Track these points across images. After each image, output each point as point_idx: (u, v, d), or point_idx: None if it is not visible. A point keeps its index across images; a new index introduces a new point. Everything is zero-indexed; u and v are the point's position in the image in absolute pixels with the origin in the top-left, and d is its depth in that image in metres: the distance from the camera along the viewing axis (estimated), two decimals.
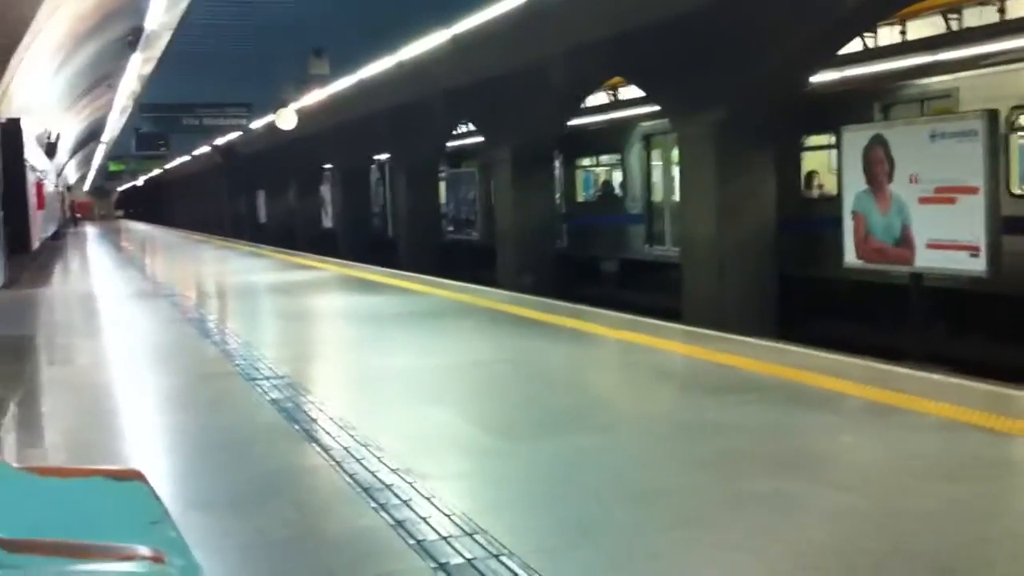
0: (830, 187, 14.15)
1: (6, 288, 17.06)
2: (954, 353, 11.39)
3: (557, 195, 22.27)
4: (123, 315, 13.31)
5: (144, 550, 1.68)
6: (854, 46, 15.76)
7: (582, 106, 21.41)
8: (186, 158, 53.32)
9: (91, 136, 42.74)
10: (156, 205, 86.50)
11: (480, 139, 24.89)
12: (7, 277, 17.69)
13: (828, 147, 13.79)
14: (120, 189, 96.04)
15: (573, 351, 9.27)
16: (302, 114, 27.17)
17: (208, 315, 12.63)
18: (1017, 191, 11.43)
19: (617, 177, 20.66)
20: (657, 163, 18.96)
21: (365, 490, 4.80)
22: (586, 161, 22.37)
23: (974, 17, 15.93)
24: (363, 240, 32.66)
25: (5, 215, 17.52)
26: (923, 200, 10.71)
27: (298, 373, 8.17)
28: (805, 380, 7.21)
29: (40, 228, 24.70)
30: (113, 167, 58.63)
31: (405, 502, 4.59)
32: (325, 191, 39.44)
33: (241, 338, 10.18)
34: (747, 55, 13.77)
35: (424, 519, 4.35)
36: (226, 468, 5.44)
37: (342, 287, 16.42)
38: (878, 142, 11.38)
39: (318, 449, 5.64)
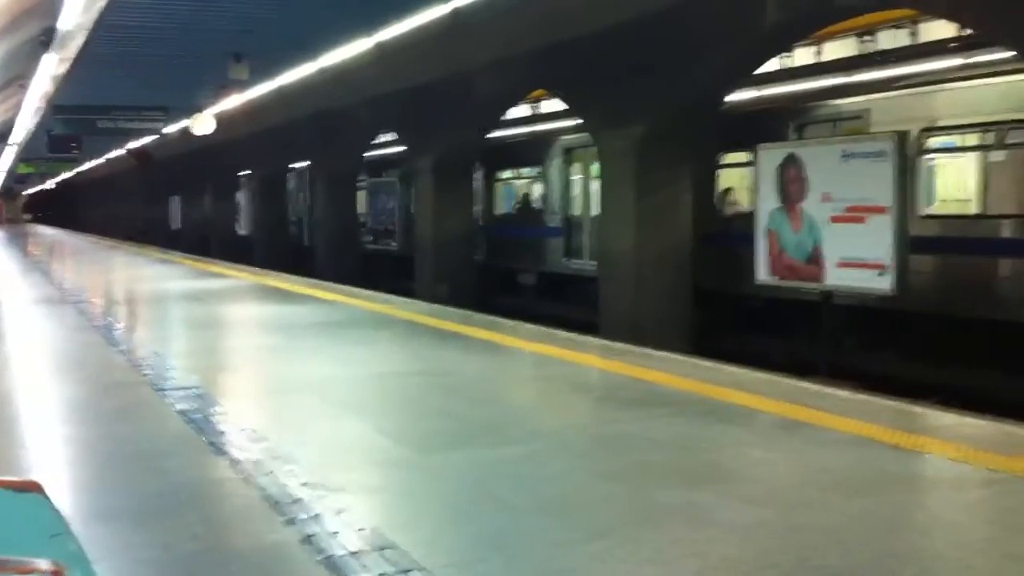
0: (746, 204, 14.37)
1: None
2: (863, 369, 11.64)
3: (478, 207, 22.28)
4: (26, 322, 12.93)
5: (44, 563, 1.63)
6: (772, 66, 16.06)
7: (505, 118, 21.49)
8: (100, 161, 52.16)
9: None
10: (67, 209, 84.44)
11: (402, 148, 24.79)
12: None
13: (744, 164, 14.02)
14: (29, 192, 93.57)
15: (490, 363, 9.25)
16: (220, 119, 26.78)
17: (116, 323, 12.33)
18: (925, 212, 11.74)
19: (537, 190, 20.75)
20: (577, 177, 19.08)
21: (275, 504, 4.72)
22: (507, 173, 22.43)
23: (887, 40, 16.34)
24: (280, 248, 32.27)
25: None
26: (834, 219, 10.95)
27: (209, 383, 8.01)
28: (718, 395, 7.29)
29: None
30: (22, 169, 57.07)
31: (315, 516, 4.51)
32: (242, 198, 38.90)
33: (150, 347, 9.96)
34: (668, 72, 13.94)
35: (333, 534, 4.28)
36: (131, 480, 5.29)
37: (257, 296, 16.18)
38: (792, 161, 11.61)
39: (227, 462, 5.52)
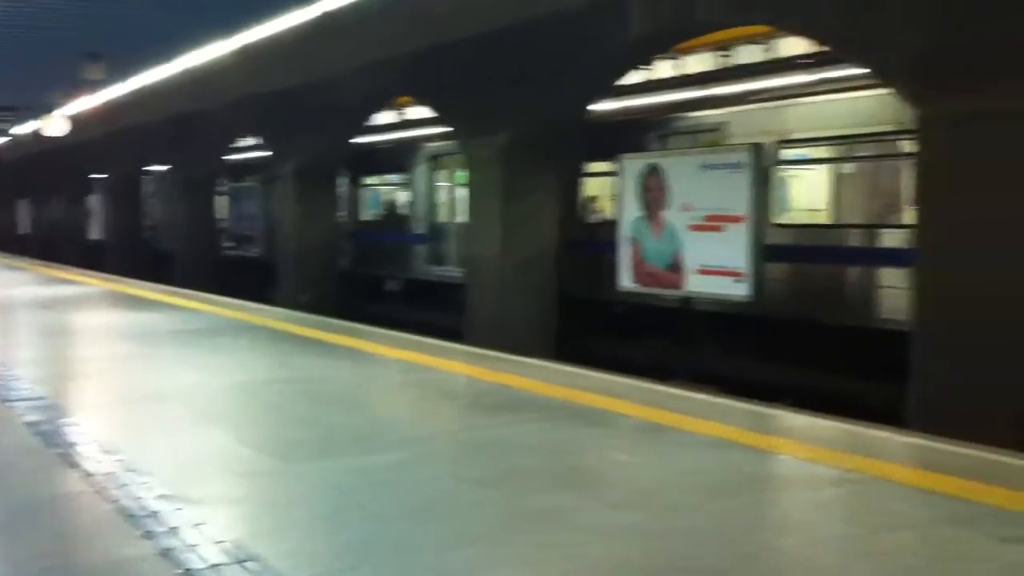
0: (610, 212, 14.60)
1: None
2: (722, 373, 11.95)
3: (343, 213, 22.03)
4: None
5: None
6: (635, 77, 16.38)
7: (371, 124, 21.32)
8: None
9: None
10: None
11: (265, 153, 24.32)
12: None
13: (608, 174, 14.25)
14: None
15: (355, 371, 9.14)
16: (75, 120, 25.78)
17: None
18: (779, 221, 12.14)
19: (403, 197, 20.65)
20: (443, 184, 19.06)
21: (130, 518, 4.55)
22: (373, 180, 22.25)
23: (744, 55, 16.84)
24: (135, 254, 31.23)
25: None
26: (694, 227, 11.22)
27: (59, 393, 7.68)
28: (584, 399, 7.38)
29: None
30: None
31: (172, 529, 4.37)
32: (95, 201, 37.50)
33: None
34: (534, 81, 14.06)
35: (192, 547, 4.15)
36: None
37: (111, 303, 15.63)
38: (654, 171, 11.86)
39: (79, 475, 5.30)
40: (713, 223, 11.02)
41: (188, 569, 3.91)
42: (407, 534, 4.39)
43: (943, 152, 8.77)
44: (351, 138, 21.01)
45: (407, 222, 19.89)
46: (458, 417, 7.27)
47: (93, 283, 19.26)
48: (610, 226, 13.06)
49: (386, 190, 21.98)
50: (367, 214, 22.41)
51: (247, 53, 17.10)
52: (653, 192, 11.86)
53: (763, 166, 10.97)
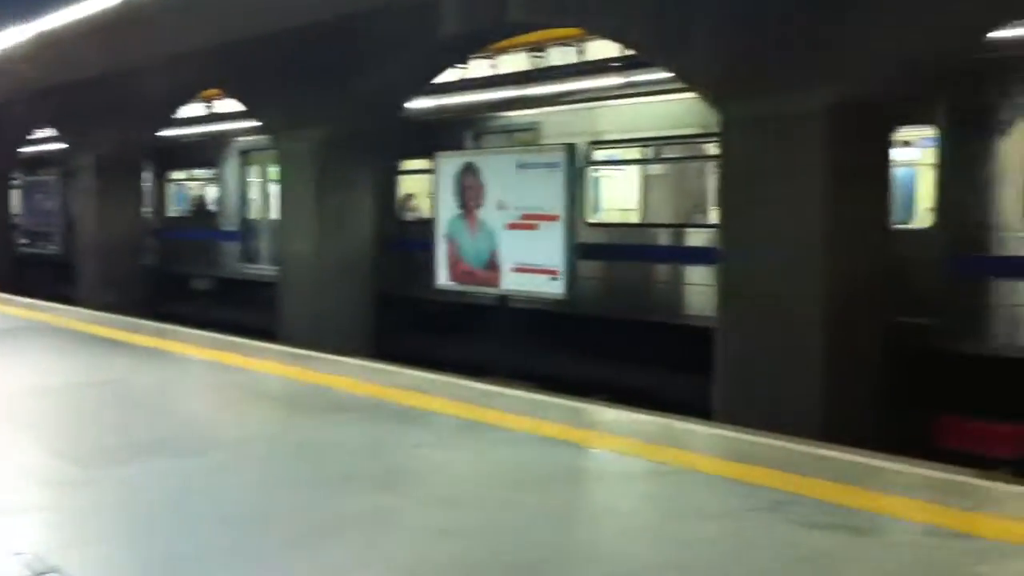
0: (427, 210, 14.60)
1: None
2: (539, 369, 12.12)
3: (148, 209, 21.20)
4: None
5: None
6: (452, 76, 16.43)
7: (179, 117, 20.58)
8: None
9: None
10: None
11: (64, 145, 23.12)
12: None
13: (425, 171, 14.24)
14: None
15: (164, 373, 8.82)
16: None
17: None
18: (592, 220, 12.42)
19: (212, 192, 20.05)
20: (255, 179, 18.61)
21: None
22: (181, 174, 21.51)
23: (557, 56, 17.14)
24: None
25: None
26: (510, 226, 11.35)
27: None
28: (401, 399, 7.35)
29: None
30: None
31: None
32: None
33: None
34: (347, 76, 13.91)
35: None
36: None
37: None
38: (470, 169, 11.92)
39: None
40: (528, 222, 11.17)
41: None
42: (222, 541, 4.27)
43: (743, 154, 9.18)
44: (157, 131, 20.24)
45: (217, 218, 19.32)
46: (274, 419, 7.11)
47: None
48: (427, 224, 13.06)
49: (195, 185, 21.29)
50: (175, 210, 21.65)
51: (45, 40, 16.20)
52: (469, 190, 11.92)
53: (577, 166, 11.19)
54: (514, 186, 11.33)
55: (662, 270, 11.58)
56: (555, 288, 10.85)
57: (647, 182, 12.70)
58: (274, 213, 16.93)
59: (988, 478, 5.54)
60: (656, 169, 12.81)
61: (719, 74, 9.36)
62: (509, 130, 13.80)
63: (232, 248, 18.79)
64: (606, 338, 11.96)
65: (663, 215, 12.55)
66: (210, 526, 4.46)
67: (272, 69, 14.89)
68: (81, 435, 6.42)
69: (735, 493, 5.09)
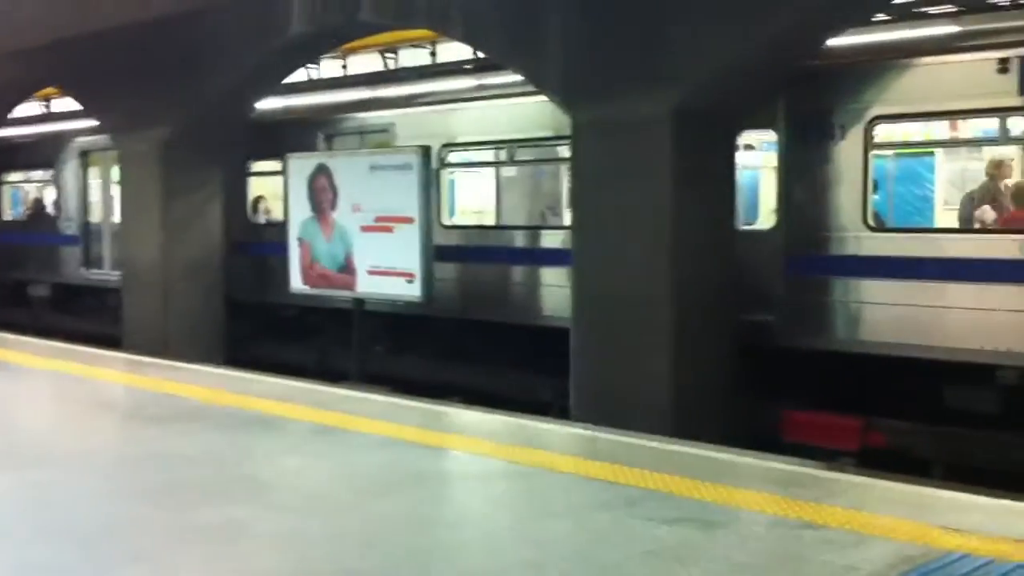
0: (278, 213, 14.32)
1: None
2: (396, 373, 12.03)
3: None
4: None
5: None
6: (303, 76, 16.16)
7: (13, 116, 19.63)
8: None
9: None
10: None
11: None
12: None
13: (276, 173, 13.97)
14: None
15: (1, 385, 8.40)
16: None
17: None
18: (447, 222, 12.39)
19: (50, 195, 19.20)
20: (96, 181, 17.89)
21: None
22: (15, 176, 20.53)
23: (409, 58, 17.05)
24: None
25: None
26: (365, 228, 11.22)
27: None
28: (253, 406, 7.18)
29: None
30: None
31: None
32: None
33: None
34: (191, 75, 13.52)
35: None
36: None
37: None
38: (322, 171, 11.74)
39: None
40: (383, 224, 11.07)
41: None
42: (62, 556, 4.06)
43: (593, 157, 9.30)
44: None
45: (56, 222, 18.51)
46: (118, 429, 6.85)
47: None
48: (279, 227, 12.81)
49: (30, 188, 20.36)
50: (8, 213, 20.67)
51: None
52: (322, 193, 11.74)
53: (431, 168, 11.14)
54: (368, 188, 11.21)
55: (518, 272, 11.64)
56: (412, 291, 10.79)
57: (502, 184, 12.75)
58: (117, 216, 16.32)
59: (833, 470, 5.75)
60: (510, 171, 12.87)
61: (569, 78, 9.47)
62: (362, 132, 13.65)
63: (73, 253, 18.03)
64: (464, 341, 11.95)
65: (518, 217, 12.62)
66: (50, 541, 4.24)
67: (111, 67, 14.35)
68: None
69: (589, 491, 5.14)
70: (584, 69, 9.27)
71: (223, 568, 3.97)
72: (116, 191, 16.44)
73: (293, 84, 15.78)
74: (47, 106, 23.31)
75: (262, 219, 15.26)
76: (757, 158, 11.27)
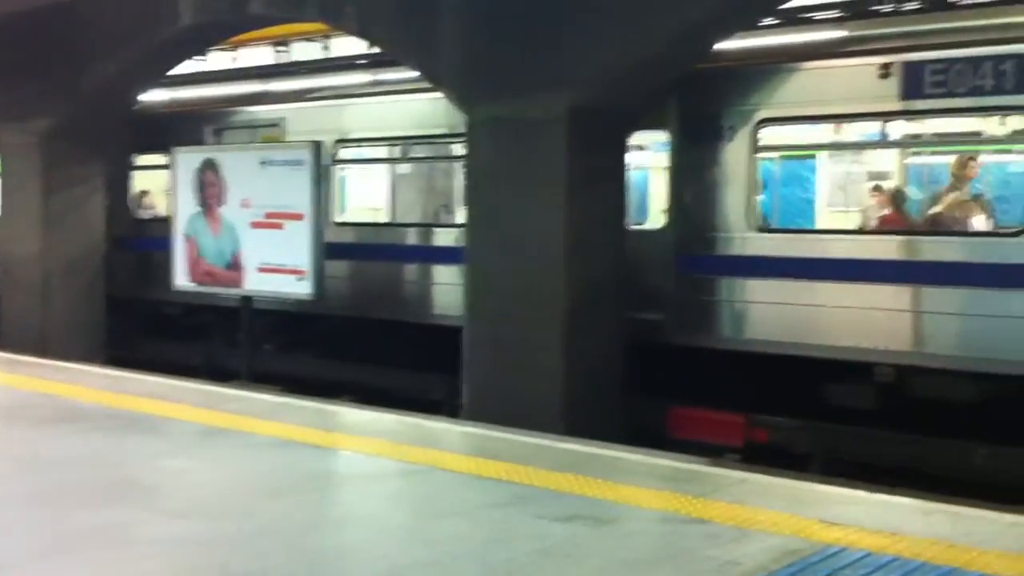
0: (164, 208, 14.00)
1: None
2: (286, 372, 11.87)
3: None
4: None
5: None
6: (191, 67, 15.80)
7: None
8: None
9: None
10: None
11: None
12: None
13: (163, 167, 13.65)
14: None
15: None
16: None
17: None
18: (339, 219, 12.25)
19: None
20: None
21: None
22: None
23: (301, 52, 16.82)
24: None
25: None
26: (254, 224, 11.03)
27: None
28: (137, 406, 7.00)
29: None
30: None
31: None
32: None
33: None
34: (71, 65, 13.11)
35: None
36: None
37: None
38: (210, 165, 11.50)
39: None
40: (273, 220, 10.89)
41: None
42: None
43: (488, 155, 9.31)
44: None
45: None
46: None
47: None
48: (165, 222, 12.52)
49: None
50: None
51: None
52: (210, 187, 11.50)
53: (323, 164, 11.01)
54: (258, 184, 11.02)
55: (411, 270, 11.59)
56: (302, 288, 10.64)
57: (396, 181, 12.67)
58: None
59: (718, 465, 5.88)
60: (404, 168, 12.80)
61: (464, 76, 9.46)
62: (253, 126, 13.42)
63: None
64: (356, 339, 11.85)
65: (411, 215, 12.55)
66: None
67: None
68: None
69: (481, 489, 5.15)
70: (479, 67, 9.28)
71: (106, 574, 3.86)
72: None
73: (180, 76, 15.42)
74: None
75: (147, 214, 14.90)
76: (648, 158, 11.43)
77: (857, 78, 8.53)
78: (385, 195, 12.69)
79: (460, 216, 11.12)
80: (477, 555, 4.17)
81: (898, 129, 9.60)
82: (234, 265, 11.21)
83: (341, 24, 11.04)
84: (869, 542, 4.23)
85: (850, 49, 9.06)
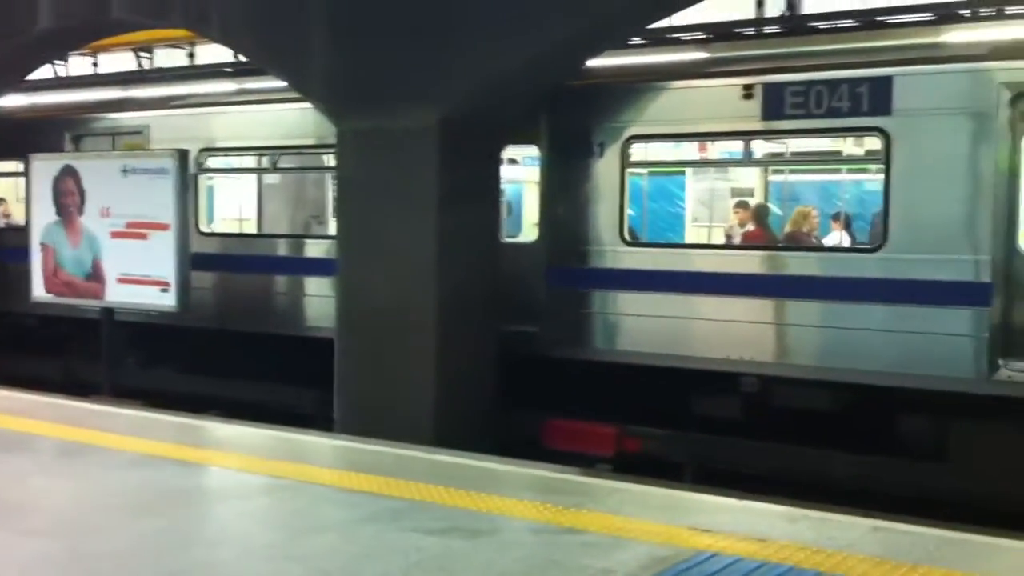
0: (19, 216, 13.44)
1: None
2: (150, 386, 11.52)
3: None
4: None
5: None
6: (49, 72, 15.25)
7: None
8: None
9: None
10: None
11: None
12: None
13: (18, 174, 13.10)
14: None
15: None
16: None
17: None
18: (206, 229, 11.97)
19: None
20: None
21: None
22: None
23: (165, 59, 16.42)
24: None
25: None
26: (115, 234, 10.70)
27: None
28: None
29: None
30: None
31: None
32: None
33: None
34: None
35: None
36: None
37: None
38: (69, 173, 11.12)
39: None
40: (136, 230, 10.58)
41: None
42: None
43: (358, 166, 9.23)
44: None
45: None
46: None
47: None
48: (21, 231, 12.02)
49: None
50: None
51: None
52: (68, 196, 11.10)
53: (189, 173, 10.75)
54: (120, 192, 10.69)
55: (281, 282, 11.39)
56: (166, 300, 10.36)
57: (264, 192, 12.45)
58: None
59: (591, 475, 5.94)
60: (273, 179, 12.60)
61: (331, 86, 9.36)
62: (115, 133, 13.01)
63: None
64: (223, 352, 11.58)
65: (281, 226, 12.35)
66: None
67: None
68: None
69: (353, 504, 5.08)
70: (347, 77, 9.20)
71: None
72: None
73: (38, 81, 14.87)
74: None
75: (1, 223, 14.30)
76: (521, 172, 11.53)
77: (721, 98, 8.78)
78: (253, 206, 12.46)
79: (331, 227, 11.01)
80: (350, 571, 4.10)
81: (760, 148, 9.92)
82: (94, 276, 10.85)
83: (205, 31, 10.81)
84: (739, 548, 4.33)
85: (715, 70, 9.32)
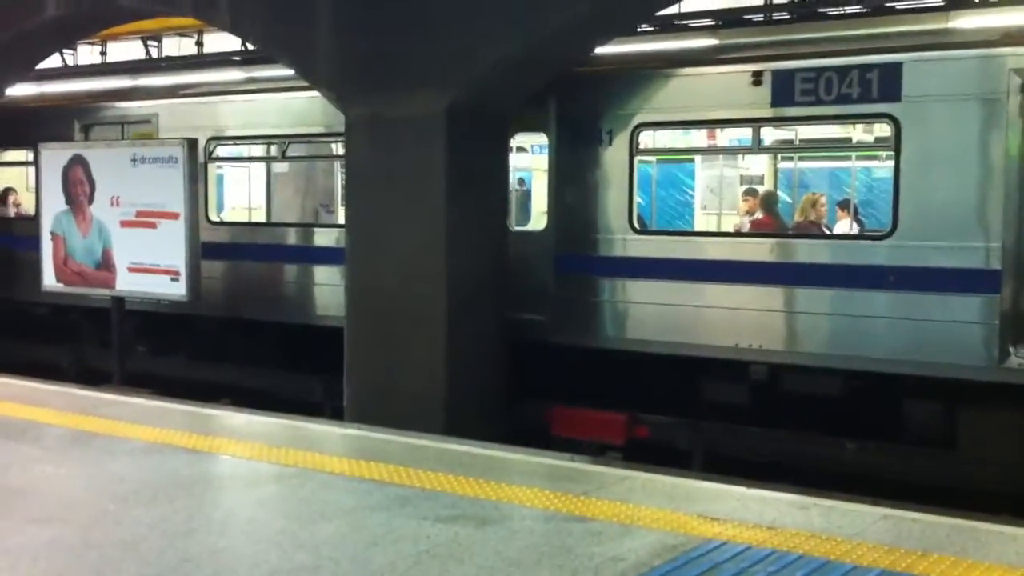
0: (29, 206, 13.48)
1: None
2: (160, 374, 11.56)
3: None
4: None
5: None
6: (58, 61, 15.26)
7: None
8: None
9: None
10: None
11: None
12: None
13: (26, 164, 13.13)
14: None
15: None
16: None
17: None
18: (215, 218, 11.99)
19: None
20: None
21: None
22: None
23: (174, 47, 16.41)
24: None
25: None
26: (125, 223, 10.71)
27: None
28: (6, 412, 6.72)
29: None
30: None
31: None
32: None
33: None
34: None
35: None
36: None
37: None
38: (78, 162, 11.14)
39: None
40: (146, 219, 10.59)
41: None
42: None
43: (366, 154, 9.22)
44: None
45: None
46: None
47: None
48: (31, 221, 12.05)
49: None
50: None
51: None
52: (78, 186, 11.12)
53: (198, 161, 10.76)
54: (129, 182, 10.70)
55: (290, 270, 11.40)
56: (177, 289, 10.38)
57: (273, 180, 12.45)
58: None
59: (600, 464, 5.94)
60: (282, 167, 12.60)
61: (340, 74, 9.35)
62: (123, 122, 13.02)
63: None
64: (233, 340, 11.60)
65: (290, 214, 12.36)
66: None
67: None
68: None
69: (362, 491, 5.10)
70: (356, 65, 9.18)
71: None
72: None
73: (47, 70, 14.88)
74: None
75: (11, 212, 14.34)
76: (530, 160, 11.50)
77: (730, 85, 8.74)
78: (262, 194, 12.47)
79: (340, 216, 11.00)
80: (359, 558, 4.12)
81: (770, 135, 9.87)
82: (105, 265, 10.87)
83: (213, 19, 10.80)
84: (748, 536, 4.33)
85: (724, 57, 9.28)
